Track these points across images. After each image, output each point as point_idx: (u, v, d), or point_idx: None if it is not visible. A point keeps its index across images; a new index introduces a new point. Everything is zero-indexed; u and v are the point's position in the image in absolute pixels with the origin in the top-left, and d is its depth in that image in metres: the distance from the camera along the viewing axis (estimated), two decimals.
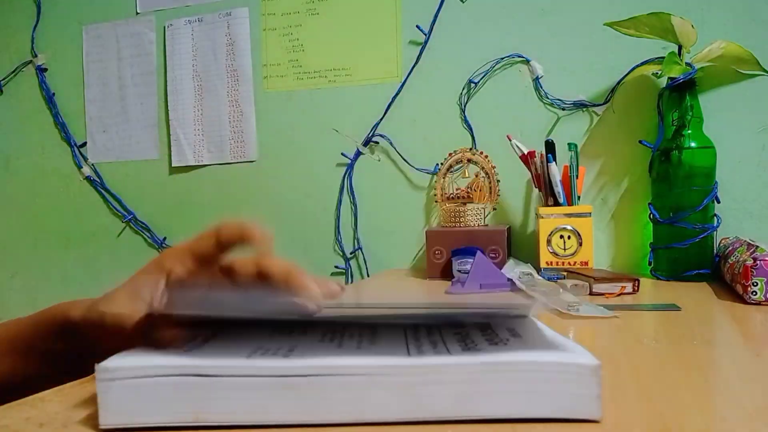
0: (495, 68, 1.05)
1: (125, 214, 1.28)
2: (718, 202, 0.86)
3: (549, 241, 0.88)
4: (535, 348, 0.29)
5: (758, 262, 0.62)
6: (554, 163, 0.88)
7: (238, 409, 0.27)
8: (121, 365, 0.27)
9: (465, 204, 0.99)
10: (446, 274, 0.91)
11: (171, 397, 0.27)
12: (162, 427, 0.27)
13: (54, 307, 0.44)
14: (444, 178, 1.03)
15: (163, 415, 0.27)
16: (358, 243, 1.14)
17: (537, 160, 0.91)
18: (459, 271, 0.86)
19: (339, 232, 1.15)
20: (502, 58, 1.04)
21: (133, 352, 0.29)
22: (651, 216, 0.89)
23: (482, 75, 1.06)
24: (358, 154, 1.14)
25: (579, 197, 0.90)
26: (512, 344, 0.31)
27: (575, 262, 0.88)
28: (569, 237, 0.88)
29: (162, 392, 0.27)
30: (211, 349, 0.31)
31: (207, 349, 0.30)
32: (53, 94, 1.33)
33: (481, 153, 1.02)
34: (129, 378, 0.27)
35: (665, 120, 0.89)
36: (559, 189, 0.88)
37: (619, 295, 0.71)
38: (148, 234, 1.28)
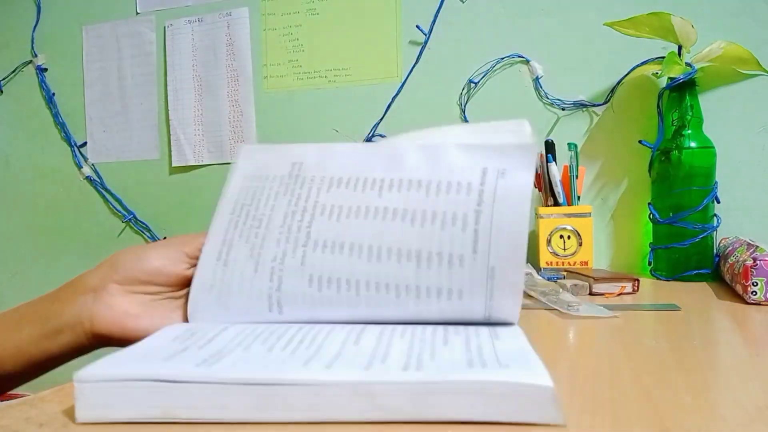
0: (495, 68, 1.05)
1: (125, 214, 1.28)
2: (718, 202, 0.86)
3: (549, 241, 0.88)
4: (489, 365, 0.30)
5: (758, 262, 0.62)
6: (554, 163, 0.88)
7: (202, 407, 0.29)
8: (93, 374, 0.30)
9: None
10: None
11: (139, 396, 0.29)
12: (132, 422, 0.29)
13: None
14: None
15: (133, 411, 0.29)
16: None
17: (537, 160, 0.91)
18: None
19: None
20: (502, 58, 1.04)
21: (107, 360, 0.32)
22: (651, 216, 0.89)
23: (482, 75, 1.06)
24: None
25: (579, 197, 0.90)
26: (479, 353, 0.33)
27: (575, 262, 0.88)
28: (569, 237, 0.88)
29: (131, 393, 0.29)
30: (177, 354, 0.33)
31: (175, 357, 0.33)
32: (53, 94, 1.33)
33: None
34: (101, 382, 0.30)
35: (665, 120, 0.89)
36: (558, 189, 0.88)
37: (619, 295, 0.71)
38: (148, 234, 1.28)
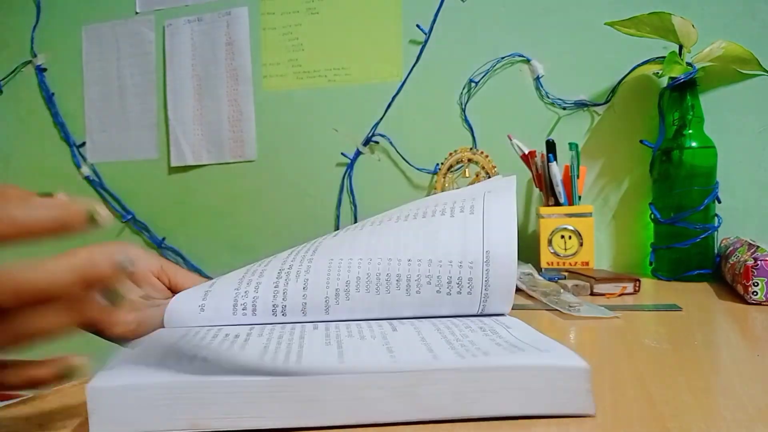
0: (495, 67, 1.05)
1: (124, 213, 1.28)
2: (719, 202, 0.86)
3: (550, 241, 0.88)
4: (527, 350, 0.31)
5: (759, 262, 0.62)
6: (555, 162, 0.88)
7: (234, 414, 0.27)
8: (111, 382, 0.27)
9: None
10: None
11: (165, 407, 0.27)
12: None
13: None
14: (444, 177, 1.03)
15: (157, 424, 0.27)
16: None
17: (538, 159, 0.91)
18: None
19: None
20: (503, 58, 1.04)
21: (122, 367, 0.29)
22: (652, 216, 0.89)
23: (483, 74, 1.06)
24: (358, 153, 1.14)
25: (580, 197, 0.90)
26: (503, 341, 0.33)
27: (576, 263, 0.88)
28: (570, 237, 0.88)
29: (154, 404, 0.27)
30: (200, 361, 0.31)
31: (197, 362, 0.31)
32: (53, 94, 1.33)
33: (482, 153, 1.02)
34: (121, 391, 0.27)
35: (666, 120, 0.89)
36: (559, 189, 0.88)
37: (620, 295, 0.70)
38: (147, 234, 1.28)
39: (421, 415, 0.28)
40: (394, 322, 0.41)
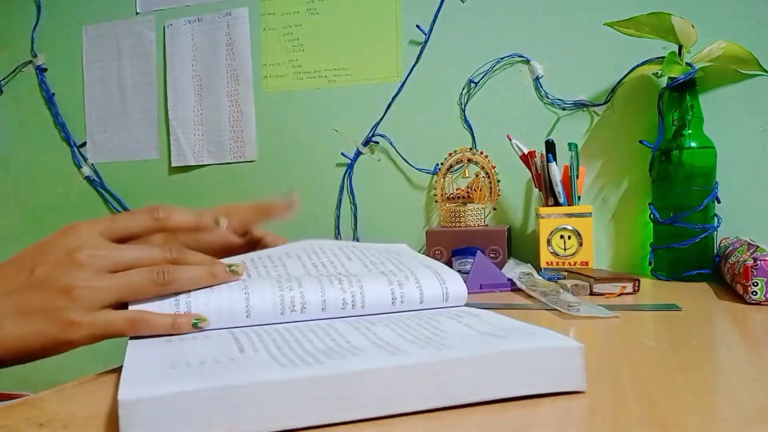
0: (495, 68, 1.05)
1: None
2: (719, 202, 0.86)
3: (549, 241, 0.88)
4: (527, 335, 0.35)
5: (758, 262, 0.62)
6: (554, 162, 0.88)
7: (272, 416, 0.27)
8: (143, 397, 0.26)
9: (465, 204, 0.99)
10: None
11: (201, 413, 0.27)
12: None
13: None
14: (444, 178, 1.03)
15: (194, 431, 0.27)
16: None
17: (537, 159, 0.91)
18: (459, 271, 0.86)
19: (339, 232, 1.15)
20: (502, 58, 1.04)
21: (147, 376, 0.29)
22: (651, 216, 0.89)
23: (482, 75, 1.06)
24: (358, 154, 1.14)
25: (579, 197, 0.90)
26: (493, 329, 0.37)
27: (575, 262, 0.88)
28: (569, 237, 0.88)
29: (191, 411, 0.26)
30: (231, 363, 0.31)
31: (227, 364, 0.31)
32: (53, 94, 1.33)
33: (481, 153, 1.02)
34: (155, 401, 0.26)
35: (665, 120, 0.89)
36: (559, 189, 0.88)
37: (619, 295, 0.70)
38: None
39: (444, 401, 0.30)
40: (381, 320, 0.43)
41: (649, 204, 0.89)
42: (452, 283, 0.48)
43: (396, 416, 0.29)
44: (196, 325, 0.39)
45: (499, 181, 1.01)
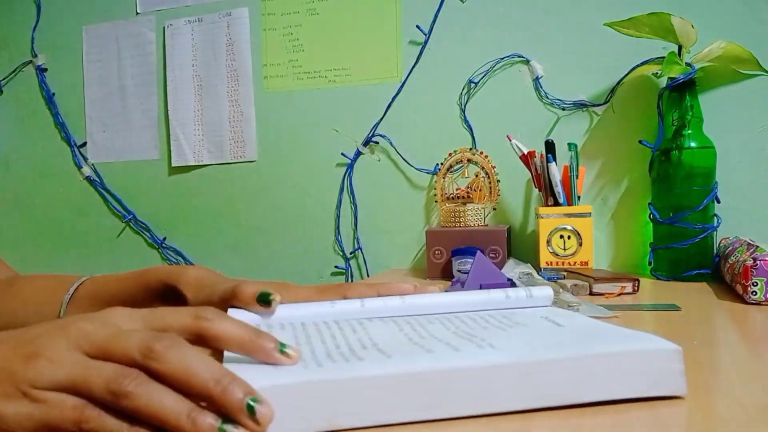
0: (495, 68, 1.05)
1: (125, 214, 1.28)
2: (718, 202, 0.86)
3: (549, 241, 0.88)
4: (618, 336, 0.34)
5: (758, 262, 0.62)
6: (554, 163, 0.88)
7: (370, 411, 0.28)
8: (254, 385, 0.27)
9: (465, 204, 0.99)
10: (446, 274, 0.91)
11: (300, 407, 0.27)
12: None
13: (155, 269, 0.49)
14: (444, 178, 1.03)
15: (295, 424, 0.27)
16: (358, 243, 1.14)
17: (537, 160, 0.91)
18: (459, 271, 0.86)
19: (339, 232, 1.15)
20: (502, 58, 1.04)
21: (243, 370, 0.29)
22: (651, 216, 0.89)
23: (482, 75, 1.06)
24: (358, 154, 1.14)
25: (579, 197, 0.90)
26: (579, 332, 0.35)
27: (575, 262, 0.88)
28: (569, 237, 0.88)
29: (291, 404, 0.27)
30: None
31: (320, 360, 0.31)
32: (53, 94, 1.33)
33: (481, 153, 1.02)
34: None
35: (665, 120, 0.89)
36: (559, 189, 0.88)
37: (619, 295, 0.71)
38: (148, 234, 1.28)
39: (539, 402, 0.30)
40: (473, 318, 0.42)
41: (649, 204, 0.90)
42: (533, 287, 0.47)
43: (487, 416, 0.29)
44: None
45: (499, 181, 1.01)
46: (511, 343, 0.33)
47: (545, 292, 0.46)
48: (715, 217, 0.85)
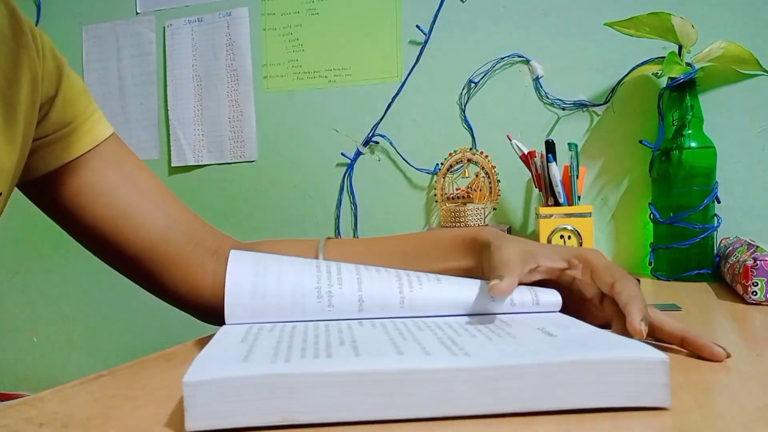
0: (495, 68, 1.05)
1: None
2: (719, 202, 0.86)
3: (549, 241, 0.88)
4: (602, 345, 0.32)
5: (758, 262, 0.62)
6: (554, 163, 0.88)
7: (325, 408, 0.28)
8: (204, 379, 0.28)
9: (465, 204, 0.99)
10: None
11: (258, 400, 0.28)
12: (249, 428, 0.28)
13: (472, 229, 0.51)
14: (444, 178, 1.03)
15: (250, 416, 0.28)
16: None
17: (537, 160, 0.91)
18: None
19: (339, 232, 1.15)
20: (502, 58, 1.04)
21: (211, 362, 0.30)
22: (651, 216, 0.89)
23: (482, 75, 1.06)
24: (358, 154, 1.14)
25: (579, 197, 0.90)
26: (569, 340, 0.34)
27: None
28: (569, 237, 0.88)
29: (249, 395, 0.28)
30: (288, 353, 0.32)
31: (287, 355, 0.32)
32: None
33: (481, 153, 1.02)
34: (215, 385, 0.27)
35: (665, 120, 0.89)
36: (559, 189, 0.88)
37: None
38: None
39: (502, 408, 0.29)
40: (459, 320, 0.42)
41: (649, 204, 0.89)
42: (541, 291, 0.45)
43: (450, 419, 0.29)
44: None
45: (499, 181, 1.01)
46: (486, 350, 0.32)
47: (554, 298, 0.45)
48: (715, 217, 0.85)
